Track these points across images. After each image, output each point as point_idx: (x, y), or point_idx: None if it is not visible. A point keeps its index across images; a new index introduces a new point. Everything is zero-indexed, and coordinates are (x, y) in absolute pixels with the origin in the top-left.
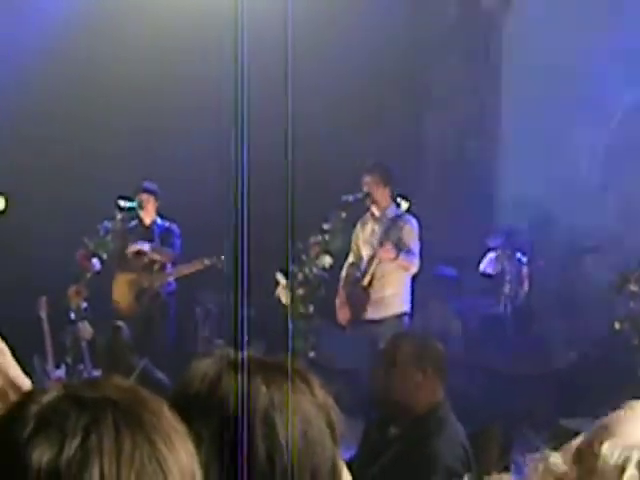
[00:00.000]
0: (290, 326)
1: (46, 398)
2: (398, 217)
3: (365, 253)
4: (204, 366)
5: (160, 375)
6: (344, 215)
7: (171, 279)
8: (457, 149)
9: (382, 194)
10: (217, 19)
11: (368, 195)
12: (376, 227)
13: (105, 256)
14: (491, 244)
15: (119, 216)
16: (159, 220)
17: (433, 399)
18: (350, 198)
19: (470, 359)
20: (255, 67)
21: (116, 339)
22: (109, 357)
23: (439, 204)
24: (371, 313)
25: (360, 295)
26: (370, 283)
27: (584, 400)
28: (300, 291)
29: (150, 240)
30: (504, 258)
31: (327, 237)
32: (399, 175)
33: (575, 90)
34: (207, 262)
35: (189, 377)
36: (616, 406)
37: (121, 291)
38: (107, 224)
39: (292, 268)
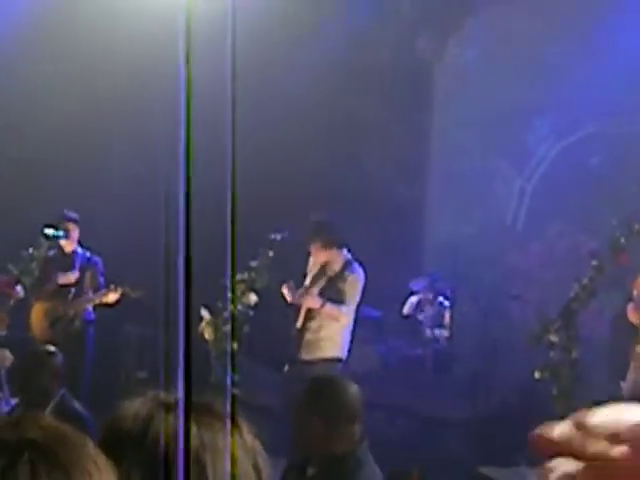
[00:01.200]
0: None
1: None
2: (344, 266)
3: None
4: (136, 405)
5: (77, 406)
6: (271, 253)
7: (89, 308)
8: (387, 193)
9: (328, 255)
10: (160, 43)
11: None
12: (320, 271)
13: (28, 283)
14: (414, 287)
15: (45, 244)
16: (79, 249)
17: (350, 440)
18: (278, 236)
19: (390, 401)
20: (197, 94)
21: (47, 365)
22: (30, 385)
23: (367, 246)
24: (304, 354)
25: (295, 335)
26: (304, 325)
27: (503, 448)
28: (224, 328)
29: (70, 269)
30: (426, 302)
31: (253, 275)
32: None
33: (502, 139)
34: (120, 290)
35: (120, 416)
36: (533, 456)
37: (37, 318)
38: (32, 251)
39: (225, 304)
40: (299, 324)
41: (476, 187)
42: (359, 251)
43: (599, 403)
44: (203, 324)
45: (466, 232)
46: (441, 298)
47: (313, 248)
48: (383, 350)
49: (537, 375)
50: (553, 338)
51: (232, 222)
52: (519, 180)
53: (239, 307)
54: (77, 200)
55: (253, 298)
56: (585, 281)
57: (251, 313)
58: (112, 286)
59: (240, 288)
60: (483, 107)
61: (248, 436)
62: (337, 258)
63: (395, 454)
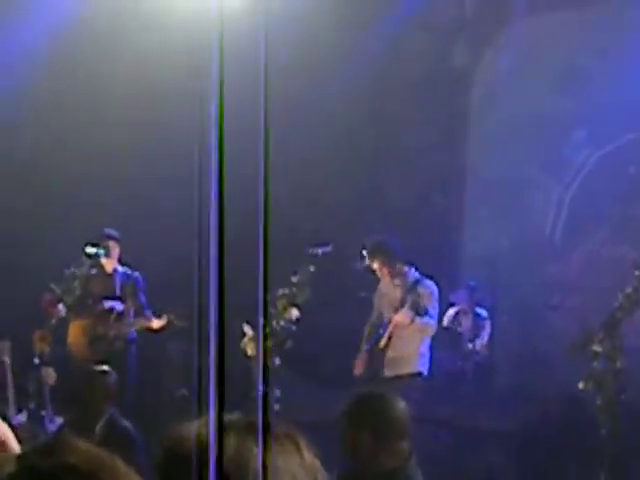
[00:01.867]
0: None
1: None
2: (417, 281)
3: (385, 315)
4: (196, 426)
5: (126, 424)
6: (312, 268)
7: (131, 329)
8: (424, 204)
9: (391, 271)
10: (191, 68)
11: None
12: (397, 290)
13: (70, 302)
14: (453, 299)
15: (87, 262)
16: (120, 268)
17: (399, 456)
18: (319, 251)
19: (433, 415)
20: (229, 117)
21: (99, 384)
22: (80, 403)
23: (407, 258)
24: (387, 371)
25: (377, 354)
26: (387, 344)
27: (547, 460)
28: (266, 344)
29: (111, 287)
30: (464, 313)
31: (295, 290)
32: (364, 225)
33: (539, 149)
34: (166, 318)
35: (181, 437)
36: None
37: (76, 336)
38: (74, 270)
39: (261, 320)
40: (383, 342)
41: (514, 197)
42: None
43: None
44: (246, 340)
45: (504, 243)
46: (479, 309)
47: (377, 266)
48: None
49: (581, 386)
50: (597, 348)
51: (265, 236)
52: (557, 190)
53: (281, 322)
54: (117, 218)
55: (295, 313)
56: (629, 290)
57: (293, 328)
58: (158, 313)
59: (282, 303)
60: (519, 117)
61: (308, 454)
62: (404, 276)
63: (439, 468)
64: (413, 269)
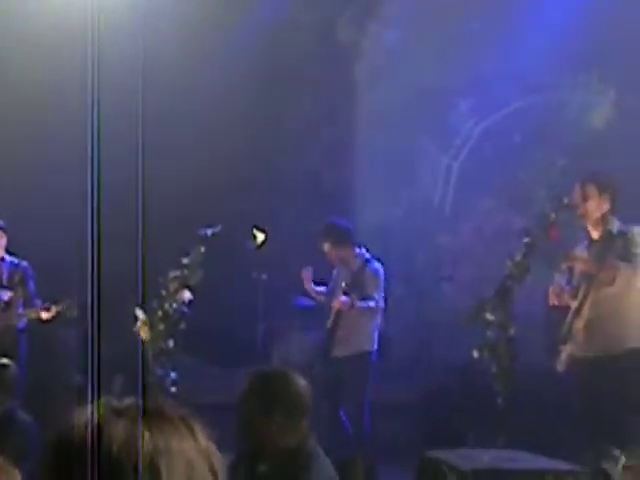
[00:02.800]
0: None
1: None
2: (364, 263)
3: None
4: (85, 413)
5: (25, 417)
6: (203, 249)
7: (20, 320)
8: (313, 178)
9: (343, 254)
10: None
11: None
12: (347, 272)
13: None
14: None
15: None
16: (7, 257)
17: (297, 434)
18: (209, 232)
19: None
20: (107, 83)
21: (3, 377)
22: None
23: (296, 235)
24: (336, 351)
25: (327, 335)
26: (335, 325)
27: (446, 429)
28: (160, 326)
29: None
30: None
31: (186, 272)
32: (254, 205)
33: (426, 118)
34: (55, 309)
35: (71, 425)
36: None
37: None
38: None
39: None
40: (330, 324)
41: (402, 168)
42: (287, 238)
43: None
44: (139, 324)
45: (395, 214)
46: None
47: (327, 249)
48: (319, 338)
49: (475, 354)
50: (489, 317)
51: (143, 221)
52: (445, 160)
53: (174, 305)
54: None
55: (187, 295)
56: (518, 258)
57: (186, 310)
58: (47, 304)
59: (173, 285)
60: (405, 87)
61: (202, 437)
62: (353, 257)
63: (339, 442)
64: (363, 250)
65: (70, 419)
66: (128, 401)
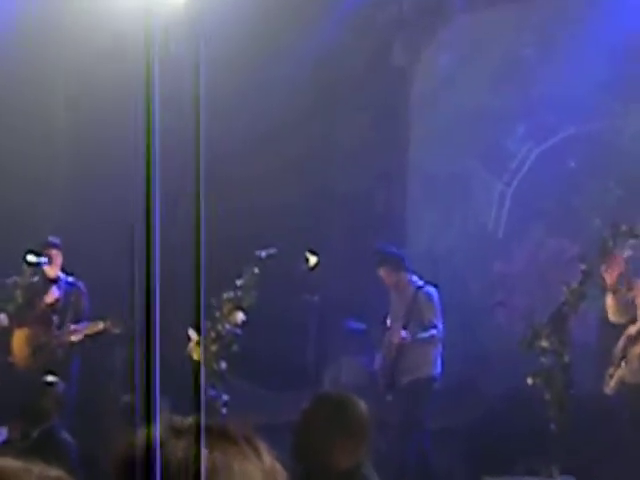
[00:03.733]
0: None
1: None
2: (417, 290)
3: (394, 324)
4: (142, 433)
5: (65, 436)
6: (257, 271)
7: (73, 337)
8: (366, 202)
9: (397, 279)
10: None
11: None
12: (401, 299)
13: (12, 311)
14: None
15: (28, 271)
16: (63, 275)
17: (353, 460)
18: (263, 254)
19: (379, 415)
20: (167, 118)
21: (48, 395)
22: (28, 413)
23: (348, 258)
24: (399, 378)
25: (390, 362)
26: (399, 353)
27: (499, 456)
28: (212, 348)
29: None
30: None
31: (240, 293)
32: (307, 227)
33: (480, 144)
34: (101, 326)
35: (131, 442)
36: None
37: (18, 345)
38: (15, 279)
39: (204, 324)
40: (393, 354)
41: (457, 193)
42: (340, 261)
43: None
44: (191, 344)
45: (447, 240)
46: None
47: (383, 275)
48: (370, 363)
49: (530, 381)
50: (544, 343)
51: (197, 240)
52: (499, 185)
53: (227, 326)
54: (59, 227)
55: (240, 317)
56: (574, 285)
57: (239, 331)
58: (96, 321)
59: (227, 307)
60: (459, 112)
61: (267, 458)
62: (405, 283)
63: (391, 467)
64: (415, 277)
65: (127, 439)
66: (189, 420)
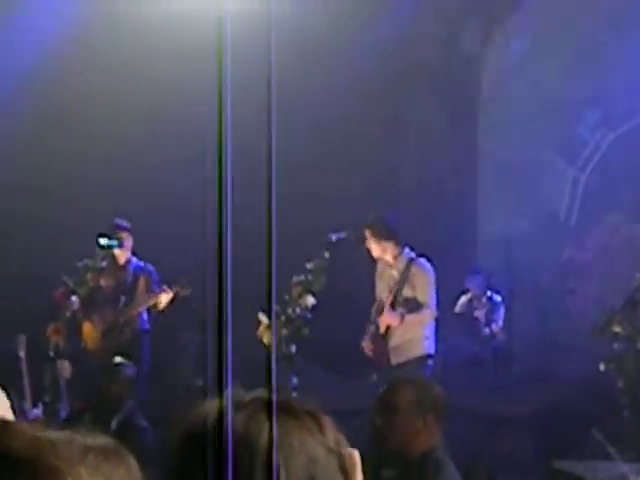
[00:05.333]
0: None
1: None
2: (409, 263)
3: (384, 299)
4: (209, 405)
5: (143, 423)
6: (327, 255)
7: (143, 316)
8: (438, 189)
9: (383, 249)
10: (201, 54)
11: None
12: (392, 271)
13: (83, 294)
14: (469, 284)
15: (99, 254)
16: (133, 258)
17: (430, 444)
18: (333, 237)
19: (450, 401)
20: (238, 103)
21: (118, 377)
22: (99, 396)
23: (419, 243)
24: (393, 358)
25: (380, 342)
26: (387, 331)
27: (571, 442)
28: (283, 331)
29: (124, 279)
30: (477, 299)
31: (310, 277)
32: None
33: (553, 130)
34: (170, 291)
35: (194, 417)
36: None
37: (89, 328)
38: (87, 262)
39: (275, 308)
40: (382, 332)
41: (529, 180)
42: (411, 247)
43: None
44: (262, 328)
45: (520, 226)
46: (493, 294)
47: (369, 243)
48: (442, 350)
49: (602, 367)
50: (617, 329)
51: (275, 226)
52: (572, 172)
53: (297, 310)
54: (128, 210)
55: (310, 300)
56: None
57: (309, 315)
58: (164, 287)
59: (297, 290)
60: (532, 98)
61: (331, 434)
62: (396, 254)
63: (460, 454)
64: (407, 249)
65: (193, 412)
66: (253, 394)
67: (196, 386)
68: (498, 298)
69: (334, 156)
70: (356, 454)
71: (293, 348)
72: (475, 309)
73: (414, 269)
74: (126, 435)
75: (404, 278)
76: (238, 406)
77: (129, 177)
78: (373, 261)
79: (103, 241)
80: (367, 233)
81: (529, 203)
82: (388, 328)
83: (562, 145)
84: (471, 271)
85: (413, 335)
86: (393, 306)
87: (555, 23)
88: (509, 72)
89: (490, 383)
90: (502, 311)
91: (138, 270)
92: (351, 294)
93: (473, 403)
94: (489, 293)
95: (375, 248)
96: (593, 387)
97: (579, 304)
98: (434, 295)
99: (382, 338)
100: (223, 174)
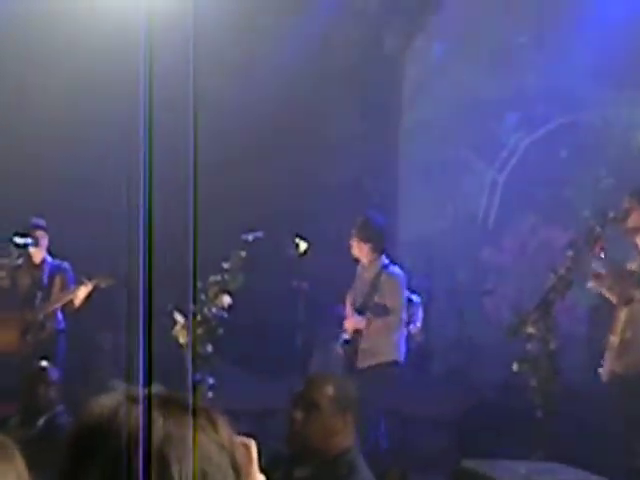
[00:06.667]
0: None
1: None
2: (381, 270)
3: (352, 301)
4: (103, 401)
5: (68, 421)
6: (244, 254)
7: (59, 315)
8: (357, 189)
9: (361, 250)
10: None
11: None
12: (366, 275)
13: None
14: None
15: (15, 253)
16: (49, 258)
17: (346, 443)
18: (250, 237)
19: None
20: (159, 100)
21: (40, 381)
22: (22, 400)
23: (338, 244)
24: (360, 362)
25: (348, 348)
26: (355, 334)
27: (485, 441)
28: (199, 331)
29: (39, 279)
30: None
31: (226, 276)
32: (299, 214)
33: (472, 132)
34: (90, 284)
35: (87, 413)
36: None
37: (4, 328)
38: (1, 260)
39: (192, 307)
40: (347, 336)
41: (448, 181)
42: (331, 250)
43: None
44: (177, 327)
45: (439, 227)
46: (412, 294)
47: (353, 242)
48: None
49: (515, 367)
50: (531, 330)
51: (194, 225)
52: (490, 173)
53: (213, 309)
54: (44, 208)
55: (227, 300)
56: (562, 271)
57: (225, 315)
58: (83, 280)
59: (213, 290)
60: (451, 100)
61: (224, 432)
62: (372, 259)
63: (376, 454)
64: (383, 256)
65: (91, 405)
66: (146, 390)
67: (113, 385)
68: (417, 299)
69: (253, 156)
70: (253, 444)
71: (209, 348)
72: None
73: (385, 276)
74: (52, 435)
75: (375, 283)
76: (132, 401)
77: (46, 174)
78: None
79: (19, 240)
80: (353, 231)
81: (448, 204)
82: (357, 332)
83: (481, 146)
84: None
85: (381, 340)
86: (362, 310)
87: (476, 24)
88: (431, 73)
89: (408, 383)
90: (420, 312)
91: (54, 268)
92: (268, 295)
93: (390, 403)
94: (408, 294)
95: (355, 247)
96: (507, 387)
97: (496, 304)
98: (403, 303)
99: (347, 342)
100: (143, 174)
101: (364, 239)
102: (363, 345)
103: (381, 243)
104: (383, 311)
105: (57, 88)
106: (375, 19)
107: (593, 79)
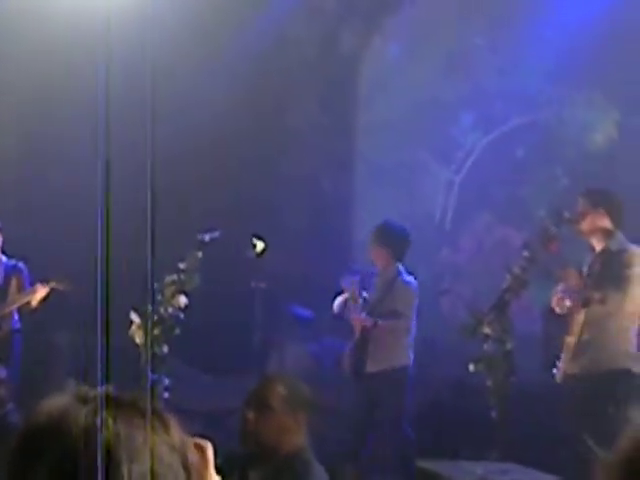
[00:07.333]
0: (148, 367)
1: None
2: (396, 277)
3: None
4: (53, 401)
5: (18, 420)
6: (200, 254)
7: (15, 315)
8: (313, 190)
9: (377, 253)
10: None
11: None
12: (381, 280)
13: None
14: (344, 285)
15: None
16: (4, 258)
17: (299, 443)
18: (206, 237)
19: (322, 401)
20: (117, 97)
21: None
22: None
23: (295, 245)
24: (369, 367)
25: (356, 349)
26: (364, 337)
27: (440, 442)
28: (155, 331)
29: None
30: (353, 300)
31: (182, 276)
32: (255, 213)
33: (428, 133)
34: (46, 287)
35: (37, 413)
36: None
37: None
38: None
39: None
40: (357, 337)
41: (405, 181)
42: (287, 250)
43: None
44: (134, 328)
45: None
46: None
47: (372, 247)
48: (317, 350)
49: (471, 368)
50: (487, 330)
51: (152, 227)
52: (446, 174)
53: (169, 309)
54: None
55: (183, 300)
56: (517, 271)
57: (181, 315)
58: (39, 283)
59: (169, 290)
60: (407, 101)
61: (176, 433)
62: (386, 264)
63: (332, 454)
64: (399, 263)
65: (40, 406)
66: (95, 390)
67: (67, 385)
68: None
69: (208, 155)
70: (209, 446)
71: (165, 348)
72: (350, 310)
73: (400, 283)
74: (1, 434)
75: (389, 289)
76: (82, 401)
77: (1, 174)
78: None
79: None
80: (371, 235)
81: (405, 204)
82: (364, 334)
83: (438, 146)
84: (346, 272)
85: (390, 344)
86: (371, 313)
87: (433, 26)
88: (387, 73)
89: None
90: None
91: (9, 269)
92: (225, 295)
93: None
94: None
95: (372, 251)
96: (463, 387)
97: (453, 304)
98: (413, 309)
99: (358, 343)
100: (101, 173)
101: (382, 244)
102: (371, 348)
103: (399, 249)
104: (393, 315)
105: (15, 88)
106: (332, 18)
107: (549, 79)
